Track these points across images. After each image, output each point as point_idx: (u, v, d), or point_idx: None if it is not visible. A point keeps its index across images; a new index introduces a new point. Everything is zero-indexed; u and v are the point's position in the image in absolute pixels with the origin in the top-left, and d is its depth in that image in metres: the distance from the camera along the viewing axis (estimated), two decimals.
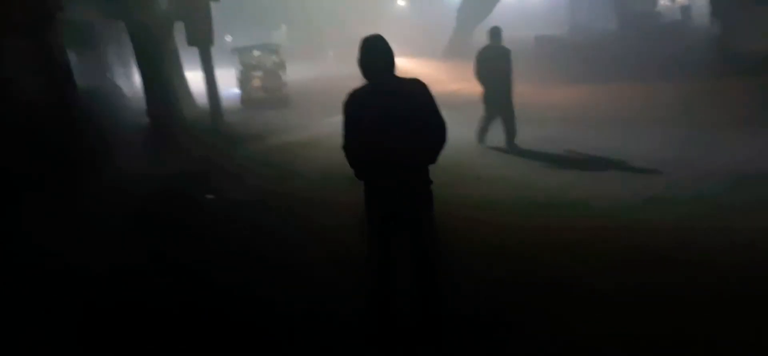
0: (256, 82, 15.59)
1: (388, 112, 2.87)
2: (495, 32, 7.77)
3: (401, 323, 3.23)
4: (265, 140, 10.87)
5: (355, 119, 2.97)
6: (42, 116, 7.84)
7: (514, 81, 7.91)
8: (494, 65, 7.69)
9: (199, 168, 8.70)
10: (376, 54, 2.90)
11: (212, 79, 12.10)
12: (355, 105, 2.97)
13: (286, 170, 8.44)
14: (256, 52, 16.13)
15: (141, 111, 11.44)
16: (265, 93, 15.44)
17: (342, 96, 3.04)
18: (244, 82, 15.91)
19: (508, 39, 7.98)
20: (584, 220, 5.01)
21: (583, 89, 12.72)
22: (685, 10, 20.49)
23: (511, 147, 7.87)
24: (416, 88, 2.94)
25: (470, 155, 7.78)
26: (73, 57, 8.68)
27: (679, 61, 13.11)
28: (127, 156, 9.00)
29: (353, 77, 3.13)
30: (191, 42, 11.59)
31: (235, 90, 16.22)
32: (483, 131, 8.23)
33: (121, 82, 11.58)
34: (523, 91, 8.42)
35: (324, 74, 18.92)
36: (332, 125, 12.60)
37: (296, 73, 18.40)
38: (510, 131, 7.86)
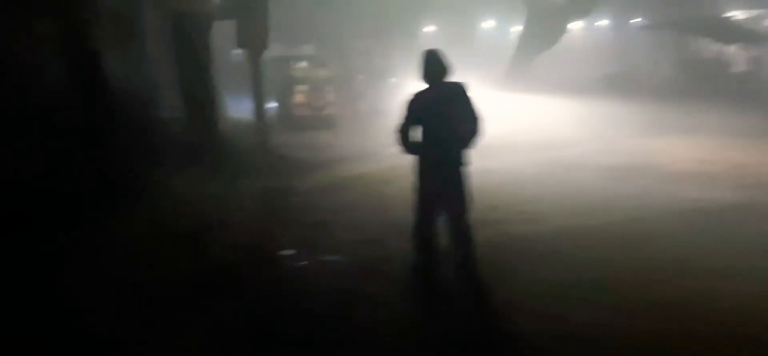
0: (300, 98, 13.49)
1: (439, 107, 4.00)
2: None
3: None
4: (330, 168, 8.82)
5: (414, 112, 4.05)
6: (65, 115, 5.83)
7: None
8: None
9: (261, 205, 6.65)
10: (434, 64, 4.06)
11: (260, 91, 10.11)
12: (416, 102, 4.06)
13: (375, 214, 6.41)
14: (302, 64, 14.13)
15: (175, 118, 9.31)
16: (310, 111, 13.36)
17: None
18: (283, 96, 13.83)
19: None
20: None
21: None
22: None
23: None
24: (459, 89, 4.03)
25: None
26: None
27: None
28: (167, 175, 6.92)
29: None
30: (242, 44, 9.63)
31: (271, 104, 14.14)
32: None
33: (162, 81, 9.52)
34: None
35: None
36: (399, 156, 10.76)
37: None
38: None
